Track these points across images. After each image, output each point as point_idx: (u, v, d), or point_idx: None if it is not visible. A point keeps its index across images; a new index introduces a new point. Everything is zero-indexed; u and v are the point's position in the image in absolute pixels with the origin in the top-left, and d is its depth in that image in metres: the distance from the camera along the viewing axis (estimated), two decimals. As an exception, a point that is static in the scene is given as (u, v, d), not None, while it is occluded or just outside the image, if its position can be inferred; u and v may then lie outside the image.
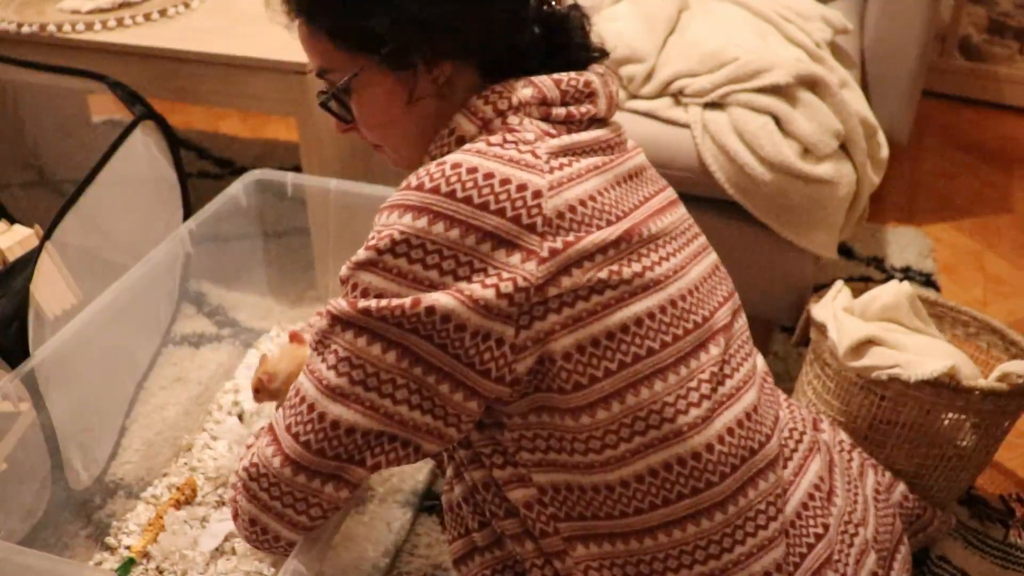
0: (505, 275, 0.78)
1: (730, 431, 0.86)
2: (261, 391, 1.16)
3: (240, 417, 1.48)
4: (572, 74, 0.89)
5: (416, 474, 1.36)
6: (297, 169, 1.87)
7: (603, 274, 0.81)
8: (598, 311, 0.81)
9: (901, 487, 1.18)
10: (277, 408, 1.05)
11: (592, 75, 0.90)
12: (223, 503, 1.32)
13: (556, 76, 0.88)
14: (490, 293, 0.78)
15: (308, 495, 0.86)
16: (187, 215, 1.66)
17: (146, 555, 1.24)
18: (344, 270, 0.83)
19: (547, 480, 0.87)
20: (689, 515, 0.84)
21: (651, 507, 0.84)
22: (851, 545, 0.93)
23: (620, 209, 0.85)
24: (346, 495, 0.87)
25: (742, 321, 0.96)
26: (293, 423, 0.84)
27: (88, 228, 1.42)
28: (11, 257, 1.30)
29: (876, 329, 1.32)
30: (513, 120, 0.85)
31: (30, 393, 1.17)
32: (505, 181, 0.79)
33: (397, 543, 1.29)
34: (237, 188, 1.50)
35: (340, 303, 0.82)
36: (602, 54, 0.94)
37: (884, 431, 1.29)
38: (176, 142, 1.65)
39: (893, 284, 1.39)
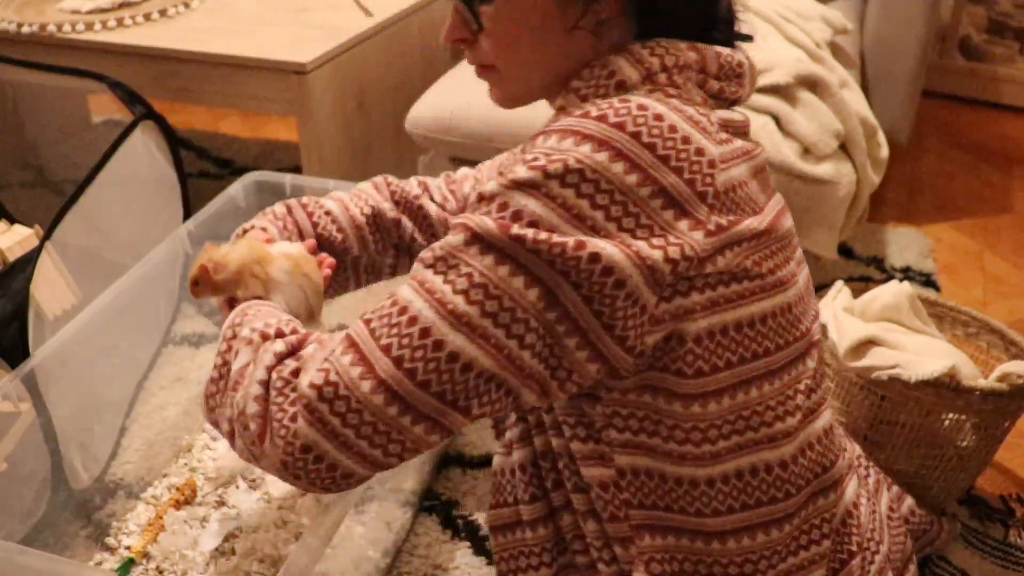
0: (672, 239, 0.73)
1: (810, 445, 0.85)
2: (202, 283, 0.95)
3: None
4: (728, 50, 0.84)
5: (416, 474, 1.36)
6: (297, 169, 1.87)
7: (748, 263, 0.78)
8: (734, 299, 0.78)
9: (908, 501, 1.17)
10: (220, 305, 0.95)
11: (743, 56, 0.86)
12: (223, 503, 1.32)
13: (717, 48, 0.83)
14: (658, 255, 0.72)
15: (393, 430, 0.73)
16: (187, 215, 1.66)
17: (146, 555, 1.24)
18: (494, 185, 0.73)
19: (629, 463, 0.83)
20: (763, 523, 0.83)
21: (729, 510, 0.83)
22: (872, 563, 0.93)
23: (759, 202, 0.81)
24: (436, 441, 0.75)
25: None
26: (396, 344, 0.72)
27: (88, 228, 1.42)
28: (11, 257, 1.30)
29: (876, 329, 1.32)
30: (678, 79, 0.80)
31: (30, 393, 1.17)
32: (686, 140, 0.74)
33: (397, 543, 1.29)
34: (236, 189, 1.50)
35: (484, 221, 0.72)
36: (748, 39, 0.88)
37: (884, 431, 1.29)
38: (176, 142, 1.65)
39: (893, 284, 1.39)
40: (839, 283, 1.43)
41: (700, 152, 0.74)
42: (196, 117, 2.66)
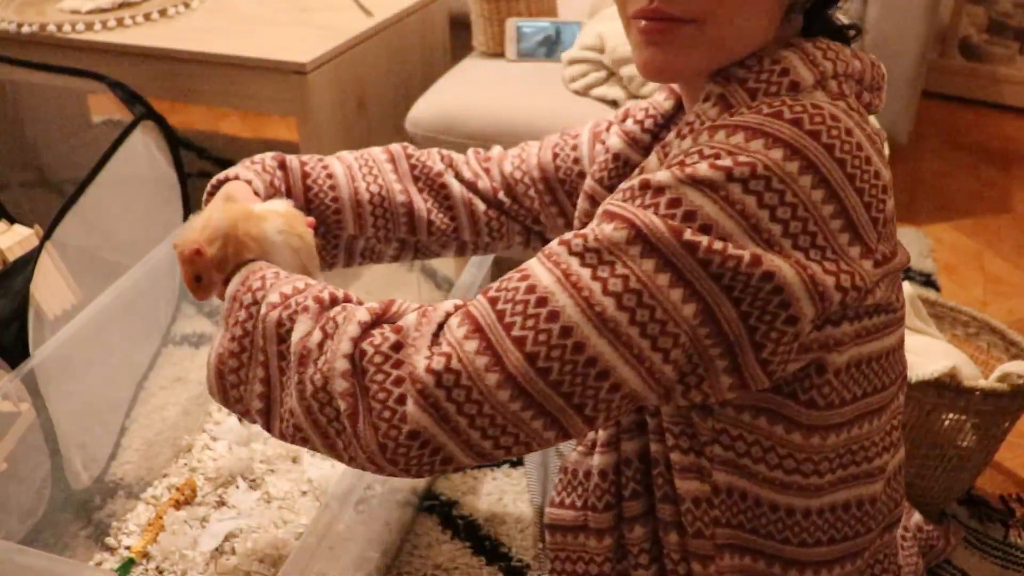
0: (844, 266, 0.68)
1: (888, 481, 0.84)
2: (202, 273, 0.83)
3: (240, 418, 1.48)
4: (873, 59, 0.79)
5: (416, 474, 1.36)
6: (297, 169, 1.87)
7: (892, 296, 0.75)
8: (875, 332, 0.75)
9: (916, 517, 1.16)
10: (217, 283, 0.84)
11: (882, 65, 0.81)
12: (223, 503, 1.32)
13: (872, 57, 0.78)
14: (830, 281, 0.67)
15: (511, 424, 0.67)
16: (187, 215, 1.66)
17: (146, 555, 1.24)
18: (666, 176, 0.67)
19: (727, 482, 0.79)
20: (845, 556, 0.82)
21: (817, 543, 0.81)
22: None
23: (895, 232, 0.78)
24: (551, 440, 0.69)
25: None
26: (531, 339, 0.65)
27: (88, 228, 1.42)
28: (11, 257, 1.30)
29: (876, 329, 1.32)
30: (846, 90, 0.74)
31: (30, 393, 1.17)
32: (868, 160, 0.69)
33: (397, 543, 1.29)
34: (237, 188, 1.50)
35: (652, 219, 0.66)
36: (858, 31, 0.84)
37: (884, 431, 1.29)
38: (176, 142, 1.65)
39: (893, 284, 1.39)
40: (839, 283, 1.42)
41: (878, 175, 0.70)
42: (196, 117, 2.66)
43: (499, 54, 1.83)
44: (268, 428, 0.78)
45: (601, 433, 0.86)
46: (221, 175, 0.96)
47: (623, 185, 0.71)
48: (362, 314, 0.71)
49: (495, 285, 0.69)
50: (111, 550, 1.26)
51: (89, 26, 1.82)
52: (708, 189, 0.65)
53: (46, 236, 1.31)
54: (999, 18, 2.75)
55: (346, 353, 0.69)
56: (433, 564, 1.26)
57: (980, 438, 1.27)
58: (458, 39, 2.18)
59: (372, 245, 1.05)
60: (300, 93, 1.68)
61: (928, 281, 1.90)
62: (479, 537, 1.30)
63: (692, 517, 0.81)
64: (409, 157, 1.04)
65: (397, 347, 0.69)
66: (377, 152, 1.03)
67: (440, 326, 0.69)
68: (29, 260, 1.27)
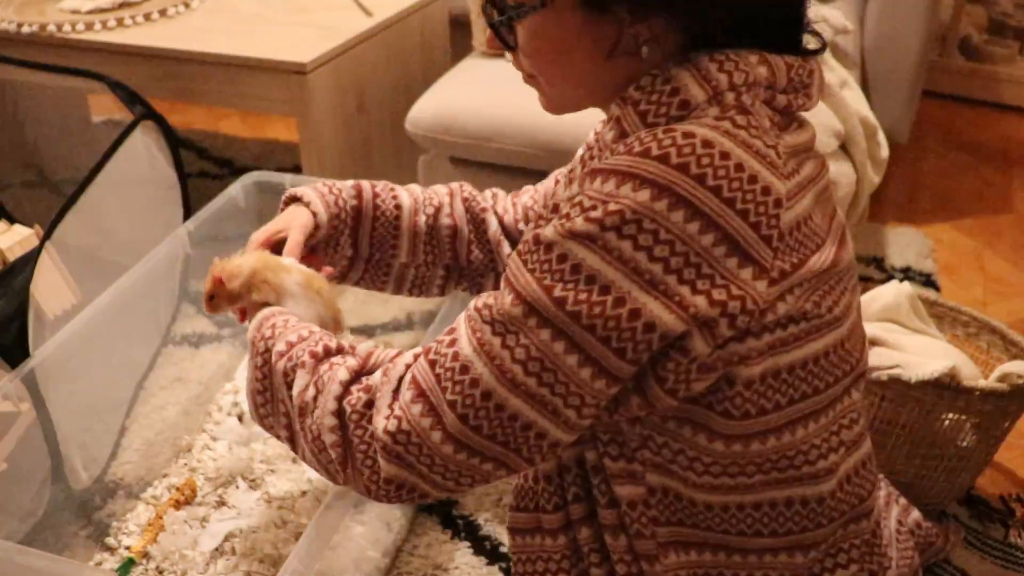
0: (734, 291, 0.69)
1: (848, 479, 0.84)
2: (217, 295, 0.96)
3: (240, 418, 1.48)
4: (799, 59, 0.77)
5: (416, 474, 1.36)
6: (297, 169, 1.87)
7: (808, 305, 0.75)
8: (790, 342, 0.75)
9: (914, 514, 1.15)
10: (236, 314, 0.98)
11: (814, 63, 0.80)
12: (223, 503, 1.32)
13: (787, 60, 0.76)
14: (715, 312, 0.69)
15: (463, 469, 0.77)
16: (187, 215, 1.66)
17: (146, 555, 1.24)
18: (552, 233, 0.71)
19: (660, 483, 0.82)
20: (791, 547, 0.83)
21: (756, 534, 0.82)
22: None
23: (825, 228, 0.77)
24: (505, 475, 0.79)
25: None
26: (460, 403, 0.74)
27: (88, 228, 1.42)
28: (11, 257, 1.30)
29: (876, 329, 1.32)
30: (746, 99, 0.74)
31: (30, 393, 1.17)
32: (753, 178, 0.69)
33: (397, 543, 1.29)
34: (236, 189, 1.50)
35: (535, 289, 0.71)
36: (822, 47, 0.81)
37: (884, 432, 1.29)
38: (176, 142, 1.65)
39: (893, 284, 1.39)
40: (839, 283, 1.42)
41: (767, 191, 0.70)
42: (196, 117, 2.66)
43: (499, 54, 1.83)
44: (295, 452, 0.89)
45: None
46: (292, 191, 1.07)
47: (528, 231, 0.77)
48: (343, 374, 0.82)
49: (434, 347, 0.78)
50: (111, 550, 1.26)
51: (89, 26, 1.82)
52: (587, 241, 0.69)
53: (46, 236, 1.31)
54: (999, 18, 2.75)
55: (332, 411, 0.80)
56: (433, 564, 1.26)
57: (980, 438, 1.27)
58: (458, 39, 2.18)
59: (422, 274, 1.13)
60: (300, 93, 1.68)
61: (928, 281, 1.90)
62: (479, 537, 1.30)
63: (631, 519, 0.84)
64: (463, 190, 1.12)
65: (368, 405, 0.79)
66: (440, 187, 1.13)
67: (398, 383, 0.79)
68: (29, 260, 1.27)
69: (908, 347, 1.29)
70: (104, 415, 1.41)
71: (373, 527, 1.23)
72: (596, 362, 0.71)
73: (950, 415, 1.25)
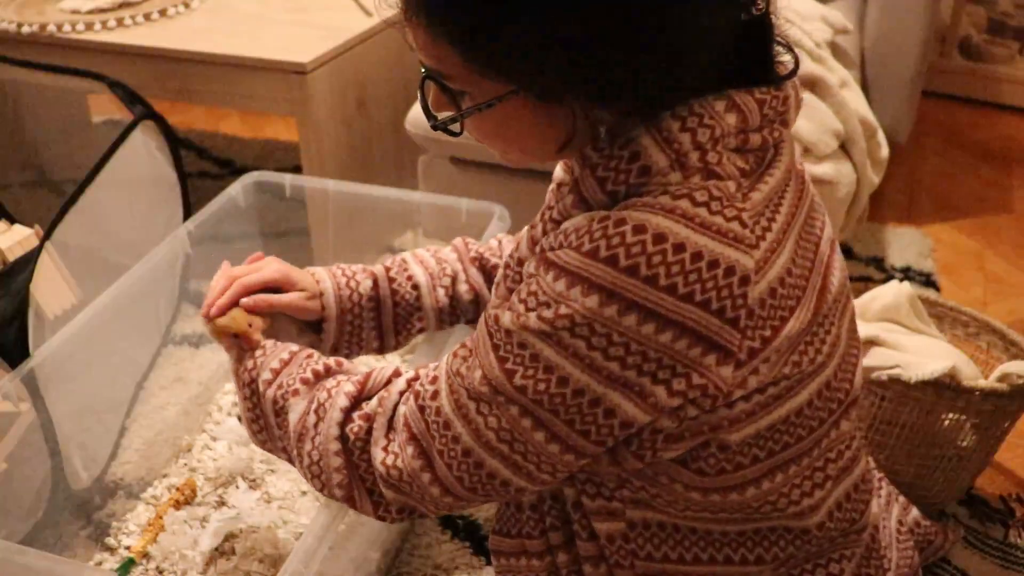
0: (696, 379, 0.69)
1: (839, 506, 0.83)
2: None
3: (240, 418, 1.48)
4: (773, 90, 0.73)
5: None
6: (297, 169, 1.87)
7: (787, 368, 0.73)
8: (770, 404, 0.74)
9: (914, 512, 1.16)
10: (228, 346, 0.97)
11: (789, 88, 0.75)
12: (223, 503, 1.32)
13: (759, 96, 0.72)
14: (676, 401, 0.70)
15: (454, 501, 0.82)
16: (187, 215, 1.66)
17: (146, 555, 1.24)
18: (508, 320, 0.71)
19: (640, 516, 0.82)
20: (777, 565, 0.83)
21: (742, 561, 0.82)
22: None
23: (805, 275, 0.74)
24: (497, 500, 0.85)
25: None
26: (447, 454, 0.77)
27: (88, 228, 1.42)
28: (11, 257, 1.30)
29: (876, 329, 1.32)
30: (712, 158, 0.70)
31: (30, 393, 1.17)
32: (713, 264, 0.66)
33: (397, 543, 1.29)
34: (236, 189, 1.50)
35: (496, 373, 0.72)
36: (795, 68, 0.76)
37: (884, 432, 1.29)
38: (176, 142, 1.65)
39: (893, 284, 1.39)
40: (839, 283, 1.42)
41: (730, 271, 0.66)
42: (196, 117, 2.66)
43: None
44: (300, 471, 0.91)
45: None
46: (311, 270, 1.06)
47: (494, 298, 0.80)
48: (342, 400, 0.84)
49: (420, 391, 0.80)
50: (111, 550, 1.26)
51: (89, 26, 1.82)
52: (542, 337, 0.69)
53: (46, 236, 1.31)
54: (999, 18, 2.75)
55: (335, 436, 0.84)
56: (433, 564, 1.26)
57: (980, 438, 1.27)
58: (458, 39, 2.18)
59: (445, 328, 1.13)
60: (300, 93, 1.68)
61: (928, 281, 1.90)
62: (479, 537, 1.30)
63: (610, 551, 0.84)
64: (470, 249, 1.11)
65: (369, 433, 0.83)
66: (447, 251, 1.12)
67: (393, 412, 0.83)
68: (29, 260, 1.27)
69: (908, 347, 1.29)
70: (104, 415, 1.41)
71: (373, 527, 1.23)
72: (562, 440, 0.73)
73: (950, 415, 1.25)
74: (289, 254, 1.68)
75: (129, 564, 1.22)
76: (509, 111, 0.72)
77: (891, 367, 1.24)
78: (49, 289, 1.29)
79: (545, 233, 0.77)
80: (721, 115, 0.70)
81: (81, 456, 1.31)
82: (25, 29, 1.81)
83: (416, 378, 0.84)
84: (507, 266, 0.81)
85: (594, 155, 0.73)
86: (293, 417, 0.87)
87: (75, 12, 1.88)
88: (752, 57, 0.73)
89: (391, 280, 1.07)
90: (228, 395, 1.53)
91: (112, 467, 1.38)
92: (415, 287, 1.07)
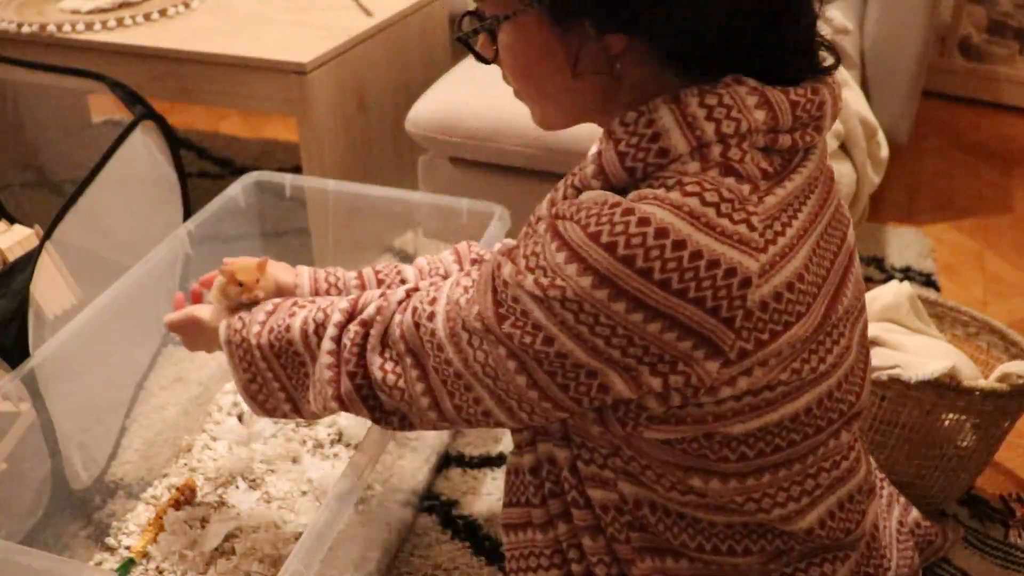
0: (680, 367, 0.69)
1: (831, 515, 0.83)
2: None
3: (240, 418, 1.48)
4: (808, 92, 0.72)
5: (416, 474, 1.36)
6: (297, 169, 1.87)
7: (784, 375, 0.72)
8: (762, 407, 0.73)
9: (914, 513, 1.15)
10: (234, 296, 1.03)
11: (826, 93, 0.74)
12: (223, 503, 1.32)
13: (794, 96, 0.71)
14: (657, 383, 0.70)
15: (447, 421, 0.85)
16: (187, 215, 1.66)
17: (146, 555, 1.24)
18: (508, 272, 0.72)
19: (632, 493, 0.82)
20: (767, 559, 0.83)
21: (730, 552, 0.81)
22: None
23: (817, 283, 0.73)
24: (493, 426, 0.86)
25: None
26: (440, 372, 0.80)
27: (88, 228, 1.42)
28: (11, 257, 1.30)
29: (876, 329, 1.32)
30: (734, 154, 0.69)
31: (30, 393, 1.17)
32: (713, 264, 0.66)
33: (397, 543, 1.29)
34: (236, 189, 1.50)
35: (489, 315, 0.73)
36: (835, 63, 0.75)
37: (884, 432, 1.29)
38: (176, 142, 1.65)
39: (893, 284, 1.39)
40: (839, 283, 1.42)
41: (730, 273, 0.66)
42: (196, 117, 2.66)
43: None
44: (301, 416, 0.97)
45: (524, 434, 0.91)
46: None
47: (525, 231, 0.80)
48: (337, 316, 0.88)
49: (418, 308, 0.82)
50: (111, 550, 1.26)
51: (89, 26, 1.82)
52: (533, 299, 0.70)
53: (46, 236, 1.31)
54: (999, 18, 2.75)
55: (329, 350, 0.87)
56: (433, 564, 1.26)
57: (980, 438, 1.27)
58: (458, 39, 2.18)
59: None
60: (300, 93, 1.68)
61: (928, 281, 1.90)
62: (479, 537, 1.30)
63: (605, 522, 0.84)
64: (471, 250, 1.13)
65: (365, 339, 0.86)
66: (446, 254, 1.13)
67: (390, 321, 0.85)
68: (29, 260, 1.27)
69: (908, 347, 1.29)
70: (104, 415, 1.41)
71: (373, 527, 1.23)
72: (542, 389, 0.74)
73: (950, 415, 1.25)
74: (289, 254, 1.68)
75: (129, 564, 1.22)
76: (527, 30, 0.74)
77: (891, 367, 1.24)
78: (49, 289, 1.29)
79: (565, 197, 0.77)
80: (750, 110, 0.69)
81: (81, 456, 1.31)
82: (25, 29, 1.81)
83: (416, 289, 0.86)
84: (528, 223, 0.81)
85: (619, 129, 0.73)
86: (296, 325, 0.91)
87: (75, 12, 1.88)
88: (780, 53, 0.72)
89: (377, 272, 1.10)
90: (228, 395, 1.53)
91: (112, 467, 1.38)
92: (403, 281, 1.09)
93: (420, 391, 0.82)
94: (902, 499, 1.13)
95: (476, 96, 1.68)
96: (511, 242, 1.13)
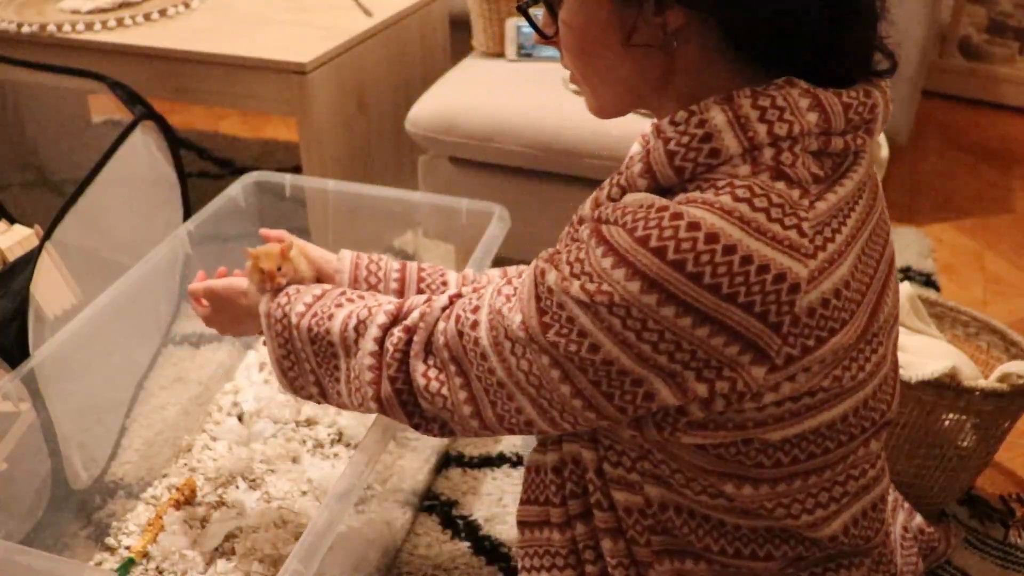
0: (726, 372, 0.69)
1: (855, 522, 0.83)
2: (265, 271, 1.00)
3: (240, 418, 1.48)
4: (860, 94, 0.72)
5: (416, 474, 1.36)
6: (297, 169, 1.87)
7: (826, 382, 0.73)
8: (801, 413, 0.73)
9: (918, 519, 1.15)
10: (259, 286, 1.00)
11: (878, 96, 0.74)
12: (223, 503, 1.32)
13: (846, 99, 0.71)
14: (703, 389, 0.70)
15: (480, 431, 0.85)
16: (187, 215, 1.66)
17: (146, 555, 1.24)
18: (553, 280, 0.72)
19: (658, 495, 0.82)
20: (786, 564, 0.83)
21: (752, 556, 0.82)
22: None
23: (862, 290, 0.73)
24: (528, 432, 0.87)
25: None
26: (483, 381, 0.80)
27: (88, 228, 1.42)
28: (11, 257, 1.30)
29: (876, 329, 1.31)
30: (785, 158, 0.69)
31: (30, 393, 1.17)
32: (763, 269, 0.66)
33: (397, 543, 1.29)
34: (236, 189, 1.50)
35: (533, 324, 0.73)
36: (891, 68, 0.76)
37: (884, 431, 1.29)
38: (176, 142, 1.65)
39: (893, 284, 1.39)
40: (839, 283, 1.42)
41: (780, 278, 0.66)
42: (196, 117, 2.66)
43: (499, 54, 1.83)
44: (327, 401, 0.96)
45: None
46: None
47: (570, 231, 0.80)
48: (382, 318, 0.87)
49: (461, 316, 0.82)
50: (111, 550, 1.26)
51: (89, 26, 1.82)
52: (580, 305, 0.70)
53: (46, 236, 1.31)
54: (999, 18, 2.75)
55: (371, 351, 0.87)
56: (433, 564, 1.26)
57: (980, 438, 1.27)
58: (458, 39, 2.18)
59: None
60: (300, 93, 1.68)
61: (928, 281, 1.90)
62: (479, 537, 1.30)
63: (627, 525, 0.84)
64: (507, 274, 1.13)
65: (409, 344, 0.85)
66: (494, 271, 1.13)
67: (434, 328, 0.84)
68: (29, 260, 1.27)
69: (908, 347, 1.29)
70: (104, 415, 1.41)
71: (373, 527, 1.23)
72: (586, 398, 0.73)
73: (950, 415, 1.25)
74: (289, 254, 1.67)
75: (129, 564, 1.22)
76: (588, 5, 0.73)
77: (891, 367, 1.24)
78: (49, 289, 1.29)
79: (610, 198, 0.76)
80: (803, 112, 0.69)
81: (81, 456, 1.31)
82: (25, 29, 1.81)
83: (459, 295, 0.86)
84: (570, 223, 0.81)
85: (669, 128, 0.72)
86: (336, 326, 0.90)
87: (75, 12, 1.88)
88: (839, 51, 0.72)
89: (421, 270, 1.08)
90: (228, 395, 1.53)
91: (112, 467, 1.38)
92: (444, 284, 1.08)
93: (463, 399, 0.82)
94: (906, 505, 1.13)
95: (476, 96, 1.68)
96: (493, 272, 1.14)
